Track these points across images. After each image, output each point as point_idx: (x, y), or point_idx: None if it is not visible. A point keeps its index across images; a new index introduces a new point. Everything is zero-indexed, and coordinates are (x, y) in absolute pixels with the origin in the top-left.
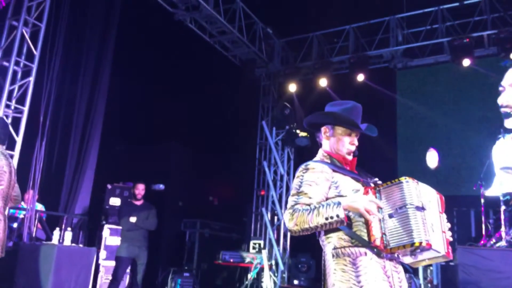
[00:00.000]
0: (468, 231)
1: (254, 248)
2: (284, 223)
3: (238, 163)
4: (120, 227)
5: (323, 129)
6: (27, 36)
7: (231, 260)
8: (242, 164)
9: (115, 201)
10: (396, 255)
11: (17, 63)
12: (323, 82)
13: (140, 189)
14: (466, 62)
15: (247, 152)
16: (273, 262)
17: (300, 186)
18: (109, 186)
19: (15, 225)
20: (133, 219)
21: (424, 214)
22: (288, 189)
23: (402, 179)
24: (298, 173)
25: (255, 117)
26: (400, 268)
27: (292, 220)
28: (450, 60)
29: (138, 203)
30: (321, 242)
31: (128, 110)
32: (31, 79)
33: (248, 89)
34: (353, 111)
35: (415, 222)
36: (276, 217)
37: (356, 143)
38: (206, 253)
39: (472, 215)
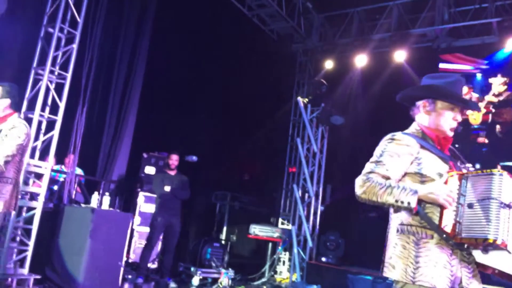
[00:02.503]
0: None
1: (283, 223)
2: (314, 200)
3: (271, 139)
4: (154, 195)
5: (422, 103)
6: (71, 3)
7: (260, 234)
8: (275, 140)
9: (150, 170)
10: (465, 246)
11: (61, 30)
12: (361, 59)
13: (174, 159)
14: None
15: (280, 128)
16: (302, 238)
17: (380, 155)
18: (145, 155)
19: (55, 187)
20: (167, 188)
21: (510, 213)
22: (320, 167)
23: (495, 171)
24: (382, 142)
25: (290, 93)
26: (472, 259)
27: (362, 188)
28: (497, 42)
29: (172, 173)
30: (389, 214)
31: (165, 80)
32: (75, 46)
33: (284, 65)
34: (457, 85)
35: (496, 217)
36: (307, 194)
37: (460, 119)
38: (236, 225)
39: None
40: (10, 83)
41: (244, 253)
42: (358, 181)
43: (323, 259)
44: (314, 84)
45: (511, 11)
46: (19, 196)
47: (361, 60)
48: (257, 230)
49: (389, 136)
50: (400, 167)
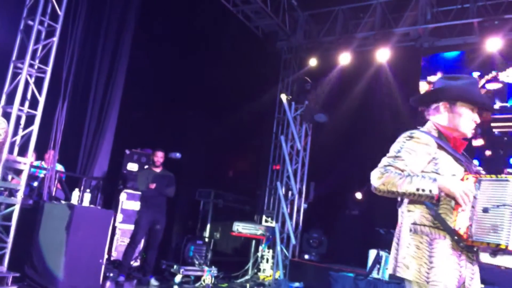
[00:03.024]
0: None
1: (266, 221)
2: (297, 198)
3: (255, 136)
4: (137, 192)
5: (441, 104)
6: None
7: (244, 231)
8: (259, 137)
9: (132, 167)
10: (475, 249)
11: (41, 23)
12: (345, 58)
13: (159, 156)
14: (493, 45)
15: (264, 125)
16: (285, 236)
17: (398, 151)
18: (127, 152)
19: (35, 184)
20: (153, 186)
21: None
22: (303, 164)
23: (510, 177)
24: (400, 139)
25: (274, 91)
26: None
27: (380, 179)
28: (478, 42)
29: (157, 170)
30: (400, 212)
31: (148, 76)
32: (55, 39)
33: (269, 62)
34: (475, 86)
35: (509, 223)
36: (290, 192)
37: (478, 120)
38: (219, 223)
39: None
40: None
41: (228, 251)
42: (376, 173)
43: (306, 256)
44: (298, 82)
45: (492, 12)
46: None
47: (345, 58)
48: (241, 228)
49: (407, 133)
50: (418, 165)
